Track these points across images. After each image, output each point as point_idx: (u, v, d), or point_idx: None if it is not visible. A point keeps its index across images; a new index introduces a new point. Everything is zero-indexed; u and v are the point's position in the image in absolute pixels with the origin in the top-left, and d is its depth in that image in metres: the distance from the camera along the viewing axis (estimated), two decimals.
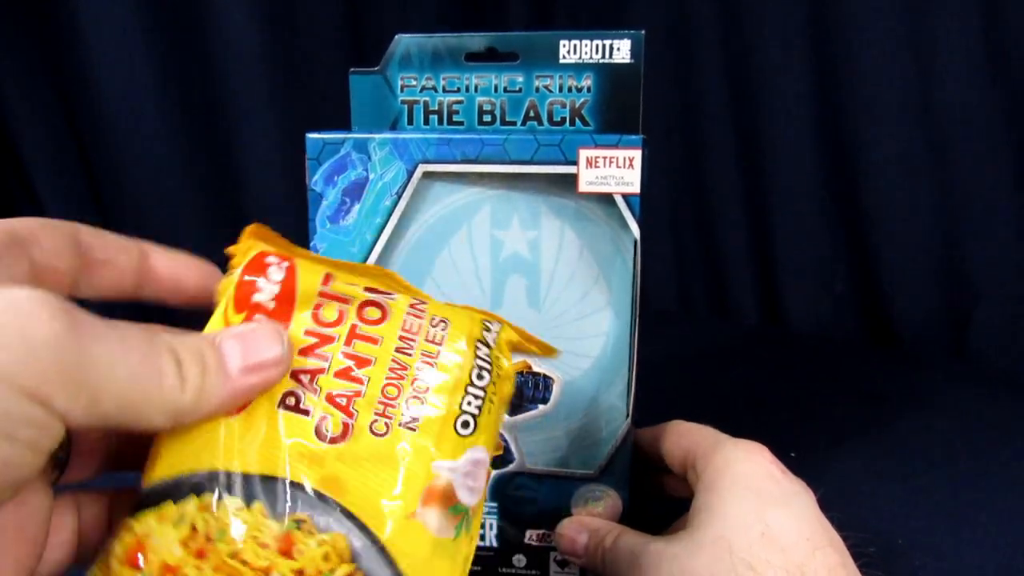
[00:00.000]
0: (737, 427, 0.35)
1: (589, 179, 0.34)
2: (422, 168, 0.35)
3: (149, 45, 0.75)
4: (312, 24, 0.81)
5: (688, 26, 0.81)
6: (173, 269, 0.27)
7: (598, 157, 0.34)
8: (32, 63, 0.72)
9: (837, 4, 0.71)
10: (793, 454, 0.46)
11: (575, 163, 0.34)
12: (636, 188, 0.34)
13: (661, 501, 0.39)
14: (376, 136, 0.35)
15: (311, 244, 0.36)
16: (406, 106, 0.38)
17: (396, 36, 0.38)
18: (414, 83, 0.38)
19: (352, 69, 0.38)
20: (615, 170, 0.34)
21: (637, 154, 0.34)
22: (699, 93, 0.82)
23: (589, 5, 0.88)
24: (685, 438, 0.35)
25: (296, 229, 0.35)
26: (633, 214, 0.34)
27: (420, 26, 0.40)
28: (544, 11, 0.91)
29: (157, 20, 0.75)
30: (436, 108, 0.38)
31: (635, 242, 0.35)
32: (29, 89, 0.72)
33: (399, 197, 0.35)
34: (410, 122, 0.38)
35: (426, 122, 0.38)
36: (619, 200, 0.34)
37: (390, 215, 0.36)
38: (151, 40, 0.75)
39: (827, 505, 0.31)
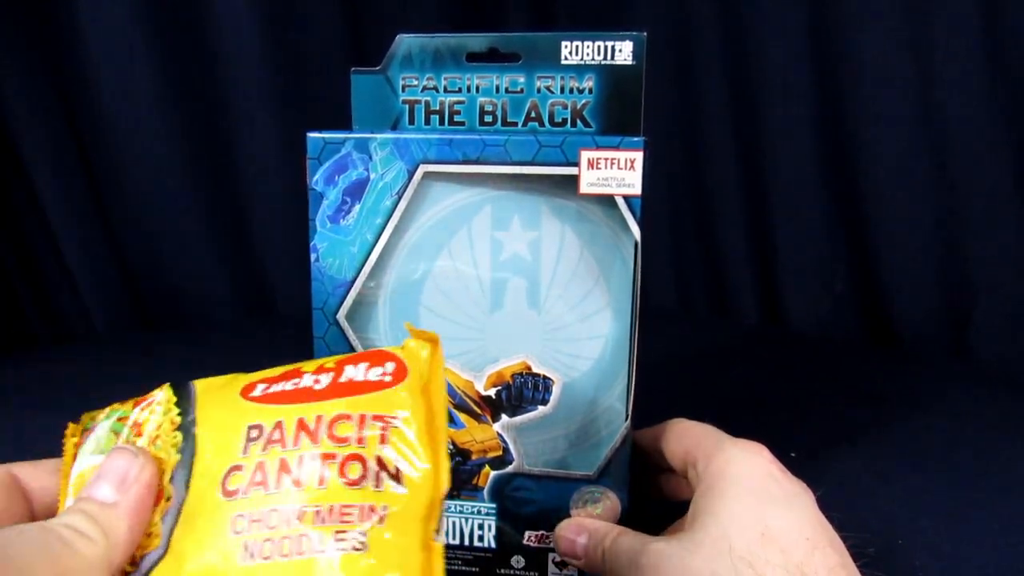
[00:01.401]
0: (737, 427, 0.35)
1: (590, 180, 0.34)
2: (423, 168, 0.35)
3: (149, 45, 0.75)
4: (312, 24, 0.81)
5: (688, 27, 0.81)
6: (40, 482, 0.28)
7: (599, 159, 0.34)
8: (32, 63, 0.72)
9: (837, 4, 0.71)
10: (793, 454, 0.46)
11: (576, 164, 0.34)
12: (637, 190, 0.34)
13: (661, 502, 0.39)
14: (377, 136, 0.35)
15: (311, 244, 0.36)
16: (407, 106, 0.38)
17: (398, 36, 0.38)
18: (415, 83, 0.38)
19: (354, 68, 0.38)
20: (616, 172, 0.34)
21: (638, 156, 0.34)
22: (699, 93, 0.82)
23: (589, 5, 0.88)
24: (686, 437, 0.35)
25: (295, 229, 0.35)
26: (634, 216, 0.34)
27: (420, 26, 0.40)
28: (544, 11, 0.91)
29: (157, 20, 0.75)
30: (437, 108, 0.38)
31: (636, 244, 0.35)
32: (29, 89, 0.72)
33: (400, 197, 0.35)
34: (411, 122, 0.38)
35: (427, 122, 0.38)
36: (620, 202, 0.34)
37: (391, 215, 0.36)
38: (151, 40, 0.75)
39: (827, 505, 0.31)
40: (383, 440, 0.23)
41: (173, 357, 0.73)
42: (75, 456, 0.26)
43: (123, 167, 0.78)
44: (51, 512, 0.26)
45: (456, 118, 0.38)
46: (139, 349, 0.76)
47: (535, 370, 0.36)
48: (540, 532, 0.37)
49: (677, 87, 0.83)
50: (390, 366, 0.25)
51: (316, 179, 0.36)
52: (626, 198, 0.34)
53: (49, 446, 0.52)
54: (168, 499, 0.24)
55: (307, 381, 0.24)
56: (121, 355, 0.74)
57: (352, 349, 0.37)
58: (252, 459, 0.23)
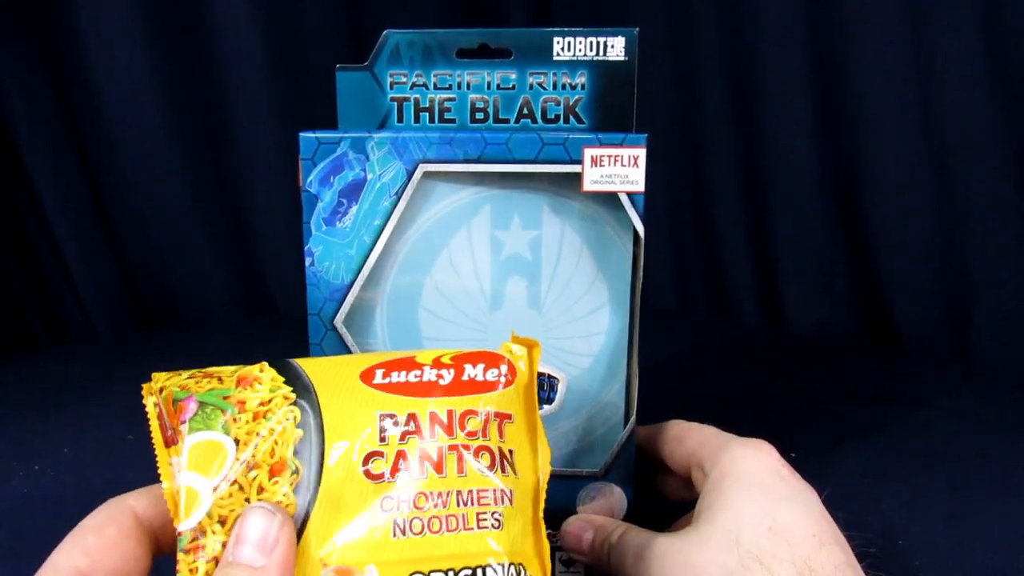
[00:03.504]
0: (737, 427, 0.35)
1: (594, 178, 0.34)
2: (423, 168, 0.35)
3: (149, 45, 0.75)
4: (312, 24, 0.81)
5: (688, 25, 0.81)
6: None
7: (603, 156, 0.34)
8: (32, 63, 0.72)
9: (838, 4, 0.71)
10: (793, 454, 0.46)
11: (579, 162, 0.34)
12: (640, 187, 0.34)
13: (662, 501, 0.39)
14: (375, 135, 0.35)
15: (306, 247, 0.35)
16: (395, 103, 0.37)
17: (385, 31, 0.37)
18: (404, 80, 0.37)
19: (339, 65, 0.37)
20: (620, 169, 0.34)
21: (642, 152, 0.34)
22: (699, 93, 0.82)
23: (590, 4, 0.88)
24: (687, 438, 0.35)
25: (296, 229, 0.35)
26: (637, 212, 0.34)
27: (420, 26, 0.40)
28: (545, 10, 0.91)
29: (157, 21, 0.75)
30: (427, 106, 0.37)
31: (639, 240, 0.35)
32: (29, 89, 0.72)
33: (399, 198, 0.35)
34: (400, 120, 0.37)
35: (416, 120, 0.37)
36: (624, 199, 0.34)
37: (389, 216, 0.35)
38: (151, 40, 0.75)
39: (829, 506, 0.31)
40: (501, 434, 0.27)
41: (173, 357, 0.73)
42: (159, 416, 0.27)
43: (123, 167, 0.78)
44: (171, 537, 0.26)
45: (446, 115, 0.37)
46: (139, 349, 0.76)
47: (540, 369, 0.36)
48: (547, 532, 0.37)
49: (677, 86, 0.83)
50: (504, 368, 0.28)
51: (310, 180, 0.35)
52: (629, 195, 0.34)
53: (49, 446, 0.53)
54: (295, 472, 0.25)
55: (429, 375, 0.27)
56: (121, 355, 0.74)
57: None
58: (392, 447, 0.26)
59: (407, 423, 0.26)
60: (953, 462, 0.51)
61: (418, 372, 0.27)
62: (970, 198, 0.69)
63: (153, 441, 0.27)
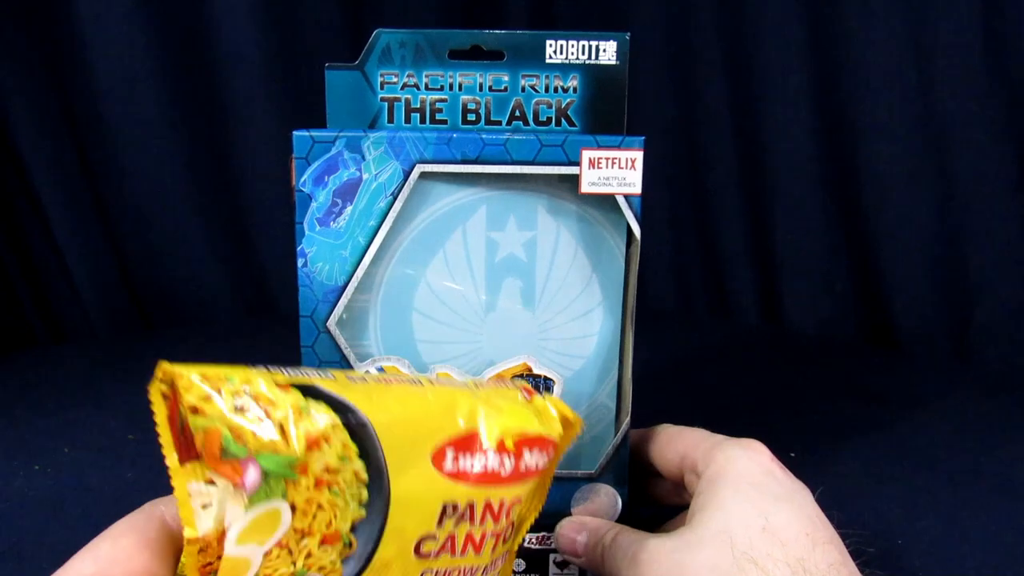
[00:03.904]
0: (737, 427, 0.35)
1: (591, 180, 0.34)
2: (419, 168, 0.35)
3: (150, 46, 0.75)
4: (314, 25, 0.81)
5: (688, 26, 0.81)
6: None
7: (601, 158, 0.34)
8: (33, 64, 0.72)
9: (838, 5, 0.71)
10: (793, 454, 0.46)
11: (578, 164, 0.34)
12: (637, 189, 0.34)
13: (652, 506, 0.39)
14: (371, 134, 0.34)
15: (298, 248, 0.35)
16: (386, 104, 0.37)
17: (375, 31, 0.37)
18: (395, 80, 0.37)
19: (328, 64, 0.37)
20: (617, 171, 0.34)
21: (639, 155, 0.34)
22: (699, 93, 0.82)
23: (591, 6, 0.88)
24: (678, 441, 0.35)
25: (294, 230, 0.35)
26: (634, 214, 0.34)
27: (423, 25, 0.40)
28: (546, 12, 0.91)
29: (158, 21, 0.75)
30: (418, 106, 0.37)
31: (635, 242, 0.35)
32: (29, 89, 0.72)
33: (394, 198, 0.35)
34: (390, 120, 0.37)
35: (407, 120, 0.37)
36: (621, 201, 0.34)
37: (384, 217, 0.35)
38: (152, 41, 0.75)
39: (826, 505, 0.31)
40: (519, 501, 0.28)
41: (173, 357, 0.73)
42: (171, 417, 0.25)
43: (123, 167, 0.78)
44: None
45: (438, 116, 0.37)
46: (139, 349, 0.76)
47: (535, 371, 0.36)
48: (541, 534, 0.37)
49: (677, 87, 0.83)
50: (551, 452, 0.29)
51: (304, 180, 0.35)
52: (627, 197, 0.34)
53: (49, 446, 0.53)
54: (348, 545, 0.25)
55: (493, 462, 0.27)
56: (121, 355, 0.74)
57: (344, 358, 0.36)
58: (445, 531, 0.27)
59: (464, 511, 0.27)
60: (953, 462, 0.51)
61: (483, 458, 0.27)
62: (970, 198, 0.69)
63: (161, 442, 0.25)
